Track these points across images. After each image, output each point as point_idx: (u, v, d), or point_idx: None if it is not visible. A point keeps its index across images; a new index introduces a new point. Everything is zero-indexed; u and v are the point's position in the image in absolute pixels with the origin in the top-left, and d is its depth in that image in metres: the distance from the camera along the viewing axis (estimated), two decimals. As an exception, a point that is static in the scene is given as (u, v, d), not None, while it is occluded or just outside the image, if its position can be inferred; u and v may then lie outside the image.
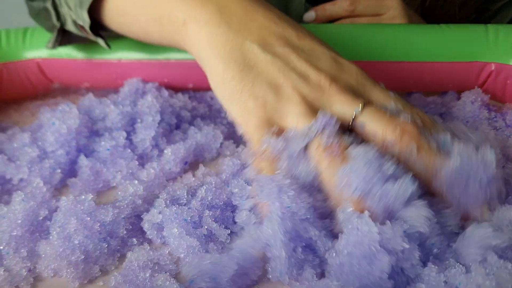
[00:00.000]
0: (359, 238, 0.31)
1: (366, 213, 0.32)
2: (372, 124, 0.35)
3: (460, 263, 0.31)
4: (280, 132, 0.36)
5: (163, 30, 0.43)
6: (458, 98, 0.52)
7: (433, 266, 0.31)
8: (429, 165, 0.33)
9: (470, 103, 0.50)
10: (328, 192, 0.34)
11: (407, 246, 0.30)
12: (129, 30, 0.47)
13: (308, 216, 0.33)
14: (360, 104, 0.35)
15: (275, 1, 0.66)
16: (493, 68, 0.50)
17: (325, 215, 0.35)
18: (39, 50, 0.55)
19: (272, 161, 0.36)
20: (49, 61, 0.55)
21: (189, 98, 0.53)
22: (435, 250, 0.32)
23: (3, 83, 0.55)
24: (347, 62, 0.38)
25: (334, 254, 0.32)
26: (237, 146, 0.47)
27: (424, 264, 0.32)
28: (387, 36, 0.52)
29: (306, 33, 0.40)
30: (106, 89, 0.57)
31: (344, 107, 0.35)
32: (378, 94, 0.37)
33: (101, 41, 0.50)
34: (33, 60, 0.55)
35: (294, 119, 0.36)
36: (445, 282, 0.30)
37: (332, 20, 0.61)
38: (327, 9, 0.60)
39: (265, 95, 0.36)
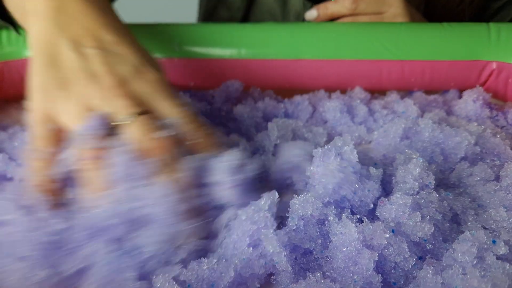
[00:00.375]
0: (344, 240, 0.32)
1: (344, 215, 0.33)
2: (134, 132, 0.36)
3: (457, 263, 0.31)
4: (57, 130, 0.37)
5: (23, 18, 0.45)
6: (460, 97, 0.52)
7: (428, 267, 0.31)
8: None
9: (472, 102, 0.50)
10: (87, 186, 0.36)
11: (387, 235, 0.31)
12: (14, 16, 0.48)
13: (301, 227, 0.34)
14: (134, 112, 0.37)
15: None
16: (494, 67, 0.50)
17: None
18: (40, 49, 0.55)
19: (44, 162, 0.37)
20: (50, 59, 0.55)
21: (190, 96, 0.53)
22: (428, 247, 0.33)
23: (4, 82, 0.55)
24: (151, 72, 0.39)
25: (328, 259, 0.33)
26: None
27: (422, 259, 0.32)
28: (389, 35, 0.52)
29: (127, 41, 0.40)
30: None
31: (119, 111, 0.37)
32: (165, 107, 0.38)
33: (10, 27, 0.52)
34: (34, 59, 0.55)
35: (69, 118, 0.37)
36: (442, 283, 0.30)
37: (333, 18, 0.61)
38: (329, 7, 0.60)
39: (55, 91, 0.38)
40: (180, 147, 0.37)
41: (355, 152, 0.37)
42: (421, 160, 0.36)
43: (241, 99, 0.53)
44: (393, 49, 0.51)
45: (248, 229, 0.33)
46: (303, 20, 0.63)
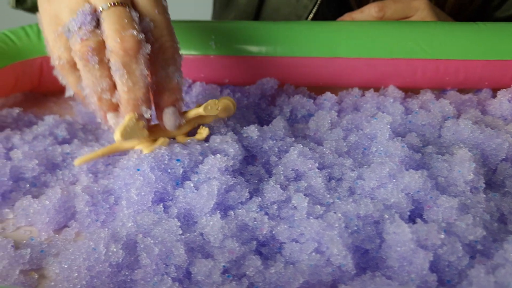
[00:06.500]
0: (398, 240, 0.32)
1: (396, 215, 0.34)
2: (106, 23, 0.37)
3: (509, 262, 0.31)
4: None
5: None
6: (493, 96, 0.53)
7: (480, 266, 0.31)
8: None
9: (507, 101, 0.50)
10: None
11: (442, 236, 0.32)
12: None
13: (360, 227, 0.34)
14: (109, 1, 0.37)
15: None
16: (529, 66, 0.51)
17: None
18: (78, 44, 0.55)
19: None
20: (88, 55, 0.56)
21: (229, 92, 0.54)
22: (478, 247, 0.33)
23: (43, 77, 0.56)
24: None
25: (382, 258, 0.34)
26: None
27: (473, 258, 0.33)
28: (423, 34, 0.52)
29: None
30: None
31: (101, 1, 0.38)
32: (147, 2, 0.39)
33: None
34: (71, 54, 0.56)
35: (67, 13, 0.38)
36: (495, 282, 0.30)
37: None
38: (355, 17, 0.60)
39: None
40: (145, 48, 0.38)
41: (400, 152, 0.38)
42: (474, 166, 0.36)
43: (276, 96, 0.54)
44: (427, 48, 0.52)
45: (315, 231, 0.34)
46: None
